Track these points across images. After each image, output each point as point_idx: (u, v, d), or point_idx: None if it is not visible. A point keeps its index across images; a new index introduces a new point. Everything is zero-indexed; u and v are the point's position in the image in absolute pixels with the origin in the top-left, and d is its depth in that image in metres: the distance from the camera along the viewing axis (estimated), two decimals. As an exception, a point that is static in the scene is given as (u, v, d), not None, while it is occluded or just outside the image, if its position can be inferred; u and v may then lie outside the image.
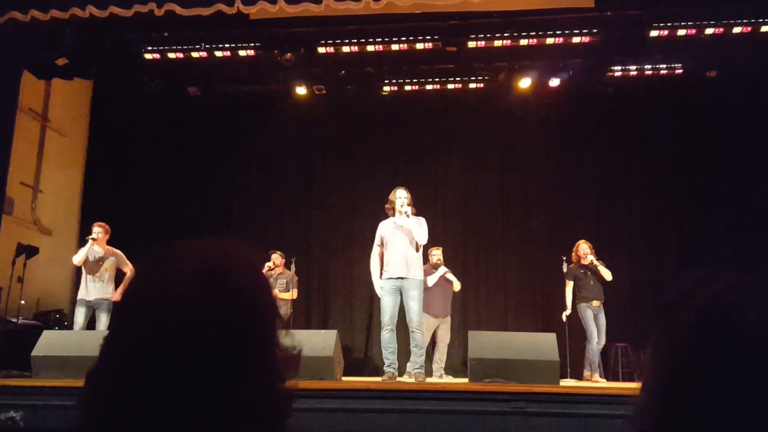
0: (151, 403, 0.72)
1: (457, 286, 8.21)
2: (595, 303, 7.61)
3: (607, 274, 7.63)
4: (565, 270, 7.92)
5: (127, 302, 0.79)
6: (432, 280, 7.89)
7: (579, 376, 8.06)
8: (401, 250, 6.27)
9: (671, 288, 0.68)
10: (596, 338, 7.52)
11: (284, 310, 8.07)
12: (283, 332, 0.81)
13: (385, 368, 6.22)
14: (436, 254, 8.15)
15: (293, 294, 8.27)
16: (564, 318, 7.85)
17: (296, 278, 8.48)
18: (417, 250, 6.36)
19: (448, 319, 8.23)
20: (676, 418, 0.64)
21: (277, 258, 8.28)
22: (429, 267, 7.89)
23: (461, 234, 9.45)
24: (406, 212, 6.28)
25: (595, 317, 7.58)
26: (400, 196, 6.37)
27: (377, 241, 6.46)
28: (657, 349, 0.69)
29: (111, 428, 0.73)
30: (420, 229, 6.32)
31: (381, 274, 6.38)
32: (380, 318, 6.30)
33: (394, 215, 6.43)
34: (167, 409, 0.72)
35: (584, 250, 7.80)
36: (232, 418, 0.73)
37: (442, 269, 8.12)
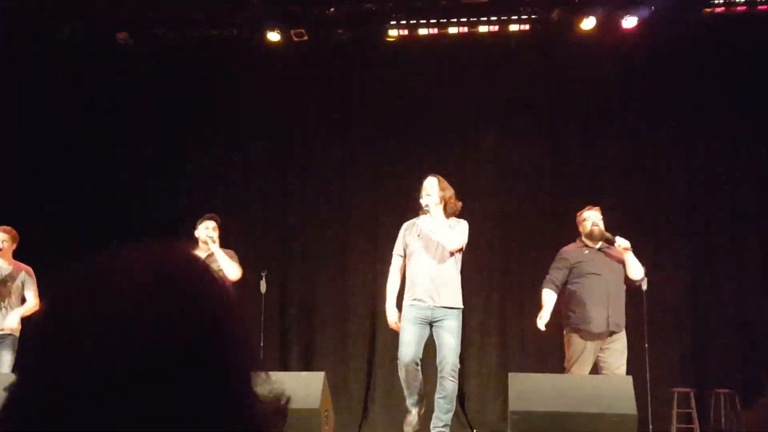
0: None
1: (634, 271, 5.66)
2: None
3: None
4: None
5: (49, 325, 0.70)
6: None
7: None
8: (427, 266, 5.42)
9: None
10: None
11: None
12: (262, 375, 0.74)
13: (407, 405, 5.44)
14: (589, 216, 5.85)
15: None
16: None
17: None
18: (451, 262, 5.43)
19: (621, 336, 5.65)
20: None
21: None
22: (580, 242, 6.01)
23: (498, 227, 8.06)
24: (426, 205, 5.41)
25: None
26: (425, 186, 5.57)
27: (398, 249, 5.62)
28: None
29: None
30: (451, 232, 5.39)
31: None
32: (398, 356, 5.44)
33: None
34: None
35: None
36: None
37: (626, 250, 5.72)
